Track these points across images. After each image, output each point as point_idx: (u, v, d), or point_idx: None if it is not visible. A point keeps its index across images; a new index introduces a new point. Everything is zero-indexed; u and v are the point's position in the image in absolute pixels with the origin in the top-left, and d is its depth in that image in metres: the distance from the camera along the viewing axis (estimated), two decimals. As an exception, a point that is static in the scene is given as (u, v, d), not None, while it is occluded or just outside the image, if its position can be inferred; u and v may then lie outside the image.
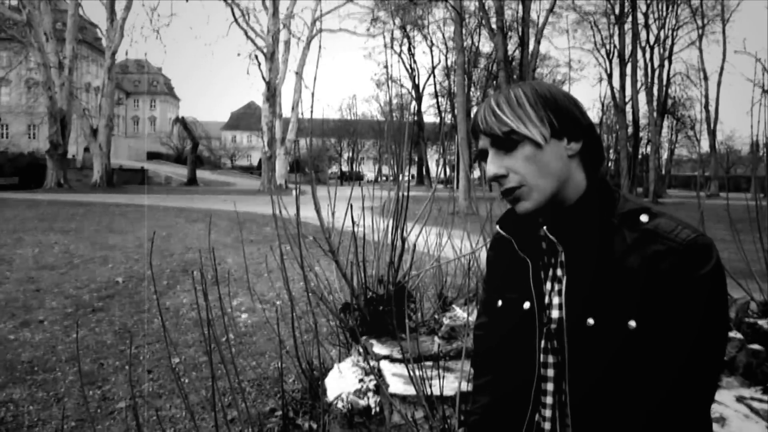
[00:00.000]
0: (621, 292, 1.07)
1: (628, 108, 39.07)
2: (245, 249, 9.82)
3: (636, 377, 1.06)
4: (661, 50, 43.00)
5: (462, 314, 3.29)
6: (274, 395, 3.93)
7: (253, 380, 4.22)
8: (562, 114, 1.14)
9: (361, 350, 3.10)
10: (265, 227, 12.82)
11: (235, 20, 35.35)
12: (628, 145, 37.56)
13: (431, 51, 63.52)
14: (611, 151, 48.95)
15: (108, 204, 20.09)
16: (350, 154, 77.30)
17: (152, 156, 74.17)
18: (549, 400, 1.18)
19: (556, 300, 1.17)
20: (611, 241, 1.10)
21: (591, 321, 1.09)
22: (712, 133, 47.38)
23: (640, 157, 45.96)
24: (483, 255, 3.84)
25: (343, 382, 2.85)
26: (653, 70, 41.98)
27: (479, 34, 42.95)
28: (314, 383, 3.23)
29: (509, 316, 1.24)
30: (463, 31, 31.99)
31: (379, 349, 2.99)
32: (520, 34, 36.81)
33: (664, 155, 53.09)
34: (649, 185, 35.85)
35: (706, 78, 47.28)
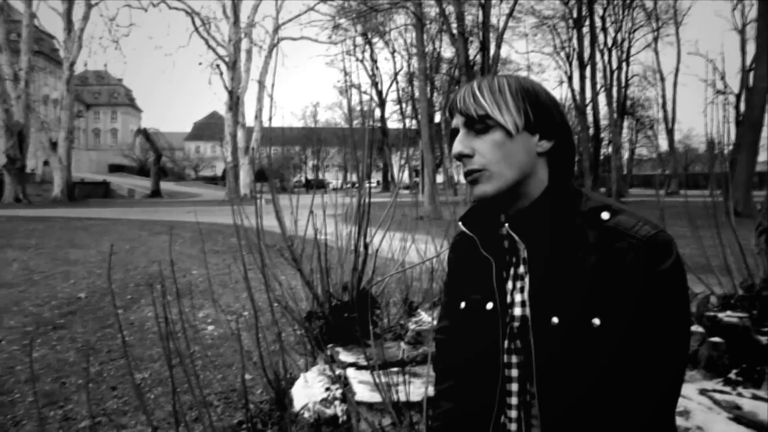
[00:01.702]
0: (584, 289, 1.07)
1: (589, 109, 39.73)
2: (210, 260, 9.70)
3: (602, 374, 1.06)
4: (619, 52, 43.94)
5: (428, 319, 3.29)
6: (242, 407, 3.88)
7: (219, 393, 4.16)
8: (540, 110, 1.15)
9: (326, 358, 3.08)
10: (231, 238, 12.68)
11: (196, 30, 35.06)
12: (590, 146, 38.16)
13: (393, 57, 63.74)
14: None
15: (69, 218, 19.66)
16: (314, 162, 77.03)
17: (114, 168, 73.07)
18: (514, 400, 1.18)
19: (518, 299, 1.17)
20: (573, 239, 1.11)
21: (555, 320, 1.09)
22: (670, 133, 48.41)
23: (601, 157, 46.75)
24: (445, 262, 3.86)
25: (309, 391, 2.82)
26: (612, 72, 42.79)
27: (440, 40, 43.20)
28: (281, 394, 3.19)
29: (473, 317, 1.24)
30: (425, 37, 32.19)
31: (345, 356, 2.98)
32: (481, 38, 37.17)
33: (625, 155, 53.97)
34: (611, 185, 36.40)
35: (662, 79, 48.39)
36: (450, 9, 34.30)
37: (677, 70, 55.48)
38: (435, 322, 3.01)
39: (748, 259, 3.43)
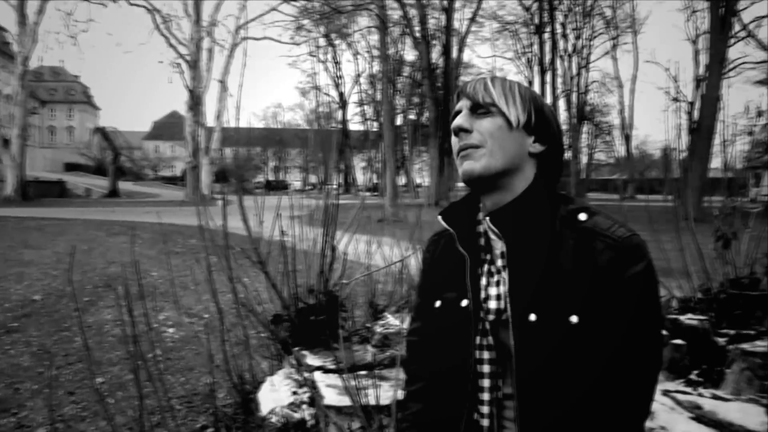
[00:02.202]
0: (562, 287, 1.10)
1: (549, 114, 40.28)
2: (171, 261, 9.55)
3: (579, 372, 1.09)
4: (579, 59, 44.71)
5: (394, 322, 3.29)
6: (205, 411, 3.82)
7: (182, 397, 4.09)
8: (541, 116, 1.21)
9: (293, 362, 3.06)
10: (191, 239, 12.51)
11: (157, 27, 34.47)
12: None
13: (356, 59, 63.73)
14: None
15: (23, 218, 19.11)
16: (276, 163, 76.47)
17: (71, 167, 71.25)
18: (486, 396, 1.20)
19: (493, 294, 1.19)
20: (551, 238, 1.14)
21: (533, 317, 1.11)
22: (627, 138, 49.45)
23: (561, 161, 47.39)
24: (413, 262, 3.87)
25: (276, 395, 2.80)
26: (572, 78, 43.60)
27: (403, 43, 43.37)
28: (246, 397, 3.16)
29: (447, 315, 1.26)
30: (388, 40, 32.25)
31: (311, 360, 2.96)
32: (444, 42, 37.45)
33: (584, 160, 54.86)
34: (570, 189, 37.02)
35: (620, 86, 49.54)
36: (413, 12, 34.53)
37: (635, 77, 56.91)
38: (402, 325, 3.02)
39: (706, 262, 3.52)
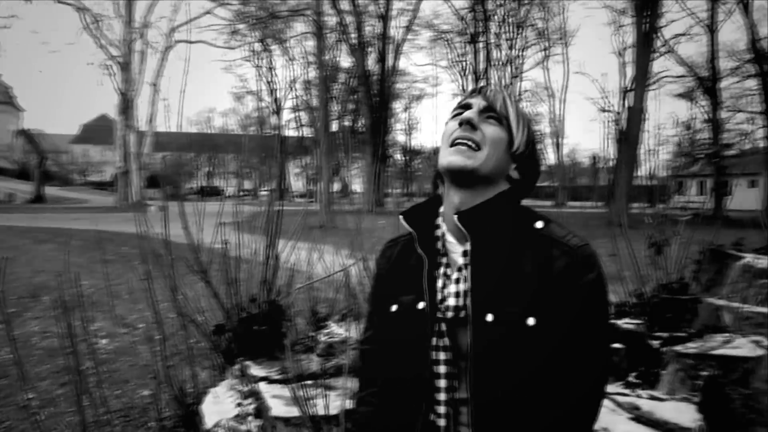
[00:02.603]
0: (519, 289, 1.15)
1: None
2: (102, 270, 9.23)
3: (533, 373, 1.13)
4: (512, 69, 45.70)
5: (339, 330, 3.28)
6: (143, 426, 3.71)
7: (118, 411, 3.96)
8: (532, 150, 1.30)
9: (236, 373, 3.01)
10: (123, 246, 12.14)
11: (86, 27, 33.39)
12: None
13: (291, 65, 63.29)
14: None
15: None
16: (209, 169, 74.97)
17: (-10, 171, 68.06)
18: (442, 396, 1.22)
19: (452, 292, 1.22)
20: (511, 243, 1.20)
21: (490, 317, 1.15)
22: (558, 147, 50.88)
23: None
24: (353, 271, 3.87)
25: (220, 407, 2.74)
26: (505, 87, 44.37)
27: (339, 50, 43.35)
28: (188, 410, 3.08)
29: (403, 319, 1.28)
30: (324, 46, 32.17)
31: (256, 370, 2.92)
32: (380, 50, 37.64)
33: (516, 167, 56.01)
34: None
35: (551, 95, 50.87)
36: (349, 19, 34.60)
37: (565, 87, 58.70)
38: (347, 334, 3.02)
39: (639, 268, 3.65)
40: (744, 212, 7.88)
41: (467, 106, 1.27)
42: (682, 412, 2.44)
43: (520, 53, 46.57)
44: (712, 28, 32.44)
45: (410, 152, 64.39)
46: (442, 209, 1.32)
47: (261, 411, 2.60)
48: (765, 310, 3.26)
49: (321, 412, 2.25)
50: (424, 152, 71.24)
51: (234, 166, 72.84)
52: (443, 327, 1.22)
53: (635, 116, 22.91)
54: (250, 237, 3.63)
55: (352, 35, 34.82)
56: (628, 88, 33.91)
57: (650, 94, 27.29)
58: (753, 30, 30.21)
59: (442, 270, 1.26)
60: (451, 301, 1.21)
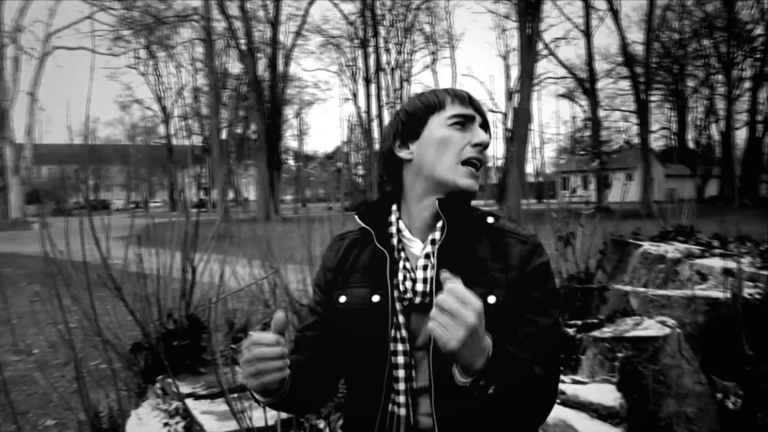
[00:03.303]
0: (480, 273, 1.25)
1: (374, 126, 41.57)
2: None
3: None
4: (401, 72, 46.60)
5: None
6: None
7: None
8: None
9: (158, 392, 2.91)
10: (6, 267, 11.37)
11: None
12: (375, 163, 39.99)
13: (179, 72, 61.45)
14: (360, 167, 51.69)
15: None
16: (95, 181, 71.33)
17: None
18: (402, 386, 1.26)
19: (417, 281, 1.27)
20: (470, 236, 1.30)
21: None
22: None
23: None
24: (266, 285, 3.83)
25: (146, 428, 2.63)
26: (395, 91, 45.30)
27: (228, 55, 42.54)
28: (108, 435, 2.95)
29: (355, 312, 1.32)
30: (213, 52, 31.49)
31: (180, 387, 2.83)
32: (270, 55, 37.25)
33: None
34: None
35: (440, 98, 52.08)
36: (238, 24, 33.98)
37: (453, 89, 60.15)
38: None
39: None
40: (623, 203, 8.48)
41: (470, 118, 1.33)
42: (604, 392, 2.61)
43: (409, 57, 47.65)
44: (587, 33, 34.52)
45: (303, 158, 64.17)
46: (394, 207, 1.38)
47: (190, 428, 2.53)
48: (667, 293, 3.54)
49: (258, 424, 2.22)
50: (317, 157, 71.11)
51: (122, 178, 69.79)
52: (401, 319, 1.26)
53: (522, 116, 23.99)
54: (153, 250, 3.51)
55: (242, 41, 34.23)
56: (514, 89, 35.47)
57: (534, 94, 28.65)
58: (622, 35, 32.49)
59: (401, 264, 1.30)
60: (419, 287, 1.26)
